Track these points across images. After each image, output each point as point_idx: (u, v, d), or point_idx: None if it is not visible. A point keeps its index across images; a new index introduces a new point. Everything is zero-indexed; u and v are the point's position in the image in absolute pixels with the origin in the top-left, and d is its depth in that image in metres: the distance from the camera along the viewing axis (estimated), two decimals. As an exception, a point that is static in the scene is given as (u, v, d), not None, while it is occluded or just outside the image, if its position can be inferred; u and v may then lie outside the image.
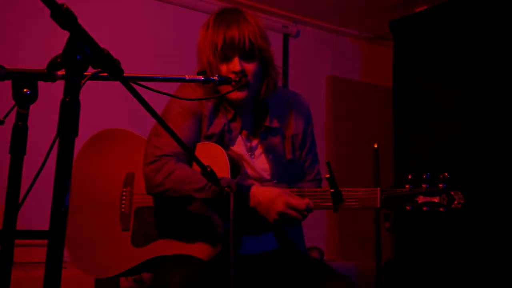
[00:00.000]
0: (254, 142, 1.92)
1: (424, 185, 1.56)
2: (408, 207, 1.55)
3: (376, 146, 1.70)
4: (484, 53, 3.20)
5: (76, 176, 1.94)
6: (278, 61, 2.00)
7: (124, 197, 1.93)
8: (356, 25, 4.59)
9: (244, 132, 1.91)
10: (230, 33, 1.75)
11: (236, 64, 1.77)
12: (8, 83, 1.08)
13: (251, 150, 1.90)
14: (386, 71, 3.95)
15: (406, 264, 3.42)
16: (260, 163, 1.89)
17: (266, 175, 1.89)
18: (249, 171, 1.87)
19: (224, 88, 1.81)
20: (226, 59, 1.78)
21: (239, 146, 1.88)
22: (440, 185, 1.54)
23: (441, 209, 1.52)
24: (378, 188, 1.59)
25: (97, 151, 2.04)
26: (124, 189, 1.94)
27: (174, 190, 1.72)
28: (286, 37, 4.35)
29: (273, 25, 4.16)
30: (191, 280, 1.57)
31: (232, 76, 1.74)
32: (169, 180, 1.72)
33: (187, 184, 1.70)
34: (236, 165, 1.81)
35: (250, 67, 1.79)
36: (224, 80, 1.68)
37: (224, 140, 1.86)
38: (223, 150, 1.77)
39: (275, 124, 1.92)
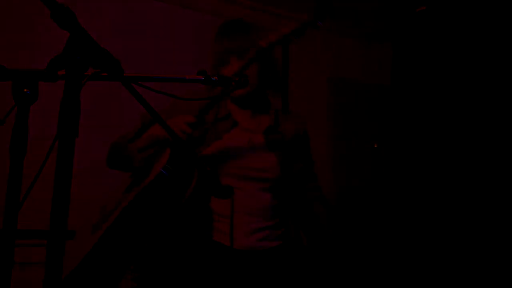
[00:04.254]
0: (257, 138, 1.94)
1: None
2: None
3: (376, 146, 1.72)
4: (484, 52, 3.20)
5: None
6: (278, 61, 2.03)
7: None
8: (356, 25, 4.59)
9: (243, 125, 1.95)
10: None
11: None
12: (8, 83, 1.08)
13: (251, 143, 1.91)
14: (386, 71, 3.94)
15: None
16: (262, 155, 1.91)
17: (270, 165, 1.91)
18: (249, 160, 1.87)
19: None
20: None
21: (233, 139, 1.90)
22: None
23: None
24: None
25: None
26: None
27: (117, 149, 1.89)
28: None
29: (273, 25, 4.15)
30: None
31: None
32: (111, 147, 1.92)
33: (123, 138, 1.88)
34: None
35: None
36: (224, 80, 1.69)
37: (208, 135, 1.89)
38: None
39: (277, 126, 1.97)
